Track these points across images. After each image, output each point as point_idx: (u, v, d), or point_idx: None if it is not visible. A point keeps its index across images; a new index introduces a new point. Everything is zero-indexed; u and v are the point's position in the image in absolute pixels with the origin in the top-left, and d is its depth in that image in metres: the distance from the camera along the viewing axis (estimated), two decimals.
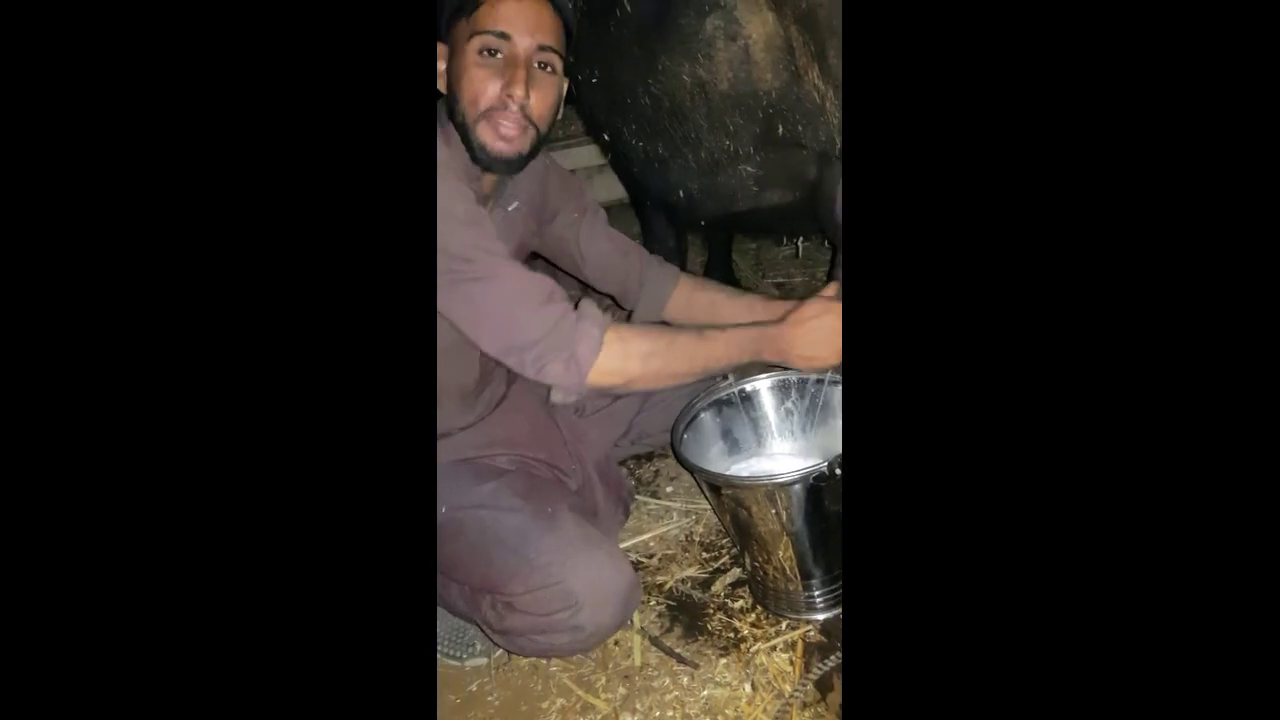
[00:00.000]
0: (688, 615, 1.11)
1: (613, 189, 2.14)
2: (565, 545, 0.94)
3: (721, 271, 1.94)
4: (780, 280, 2.16)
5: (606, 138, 1.46)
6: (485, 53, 0.91)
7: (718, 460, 1.14)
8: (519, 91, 0.91)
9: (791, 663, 1.00)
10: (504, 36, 0.91)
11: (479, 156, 0.95)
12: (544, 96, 0.94)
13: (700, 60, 1.13)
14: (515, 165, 0.97)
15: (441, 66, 0.96)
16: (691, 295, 1.24)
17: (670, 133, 1.25)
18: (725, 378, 1.16)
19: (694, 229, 1.79)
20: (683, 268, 1.76)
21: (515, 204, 1.06)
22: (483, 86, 0.91)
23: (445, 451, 1.05)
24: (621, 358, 0.91)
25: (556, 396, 0.93)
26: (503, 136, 0.93)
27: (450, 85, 0.96)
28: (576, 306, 0.92)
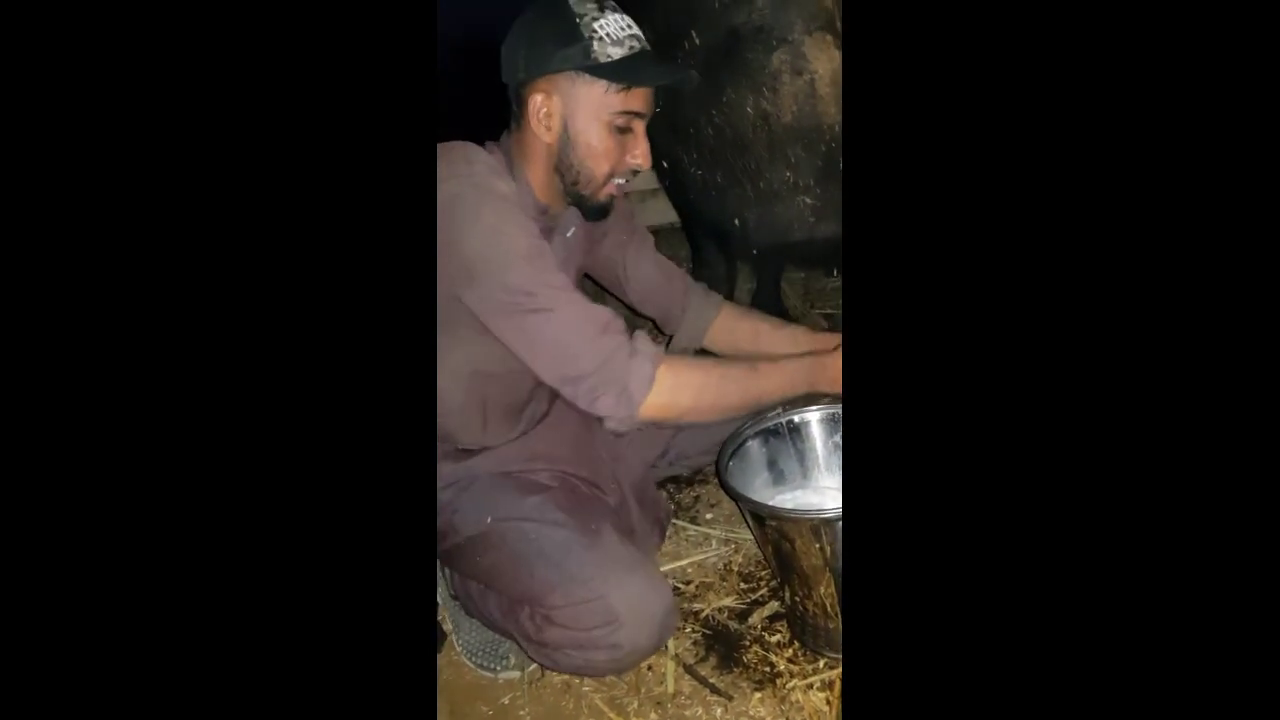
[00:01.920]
0: (723, 645, 1.10)
1: (663, 213, 2.17)
2: (608, 563, 0.94)
3: (769, 300, 1.94)
4: (828, 311, 2.15)
5: (665, 165, 1.49)
6: (619, 126, 0.96)
7: (762, 490, 1.14)
8: (645, 163, 0.99)
9: (828, 702, 0.99)
10: (640, 116, 0.96)
11: (585, 205, 1.01)
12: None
13: (765, 93, 1.15)
14: (607, 211, 1.03)
15: (538, 99, 0.94)
16: (734, 324, 1.25)
17: (730, 162, 1.27)
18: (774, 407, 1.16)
19: (745, 257, 1.80)
20: (731, 295, 1.77)
21: (572, 230, 1.09)
22: (616, 155, 0.97)
23: (488, 463, 1.07)
24: (672, 391, 0.92)
25: (611, 424, 0.94)
26: (611, 192, 1.01)
27: (564, 133, 0.95)
28: (632, 336, 0.93)
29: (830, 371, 1.00)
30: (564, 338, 0.90)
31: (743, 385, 0.97)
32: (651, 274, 1.23)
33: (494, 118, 1.05)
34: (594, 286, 1.33)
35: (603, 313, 0.93)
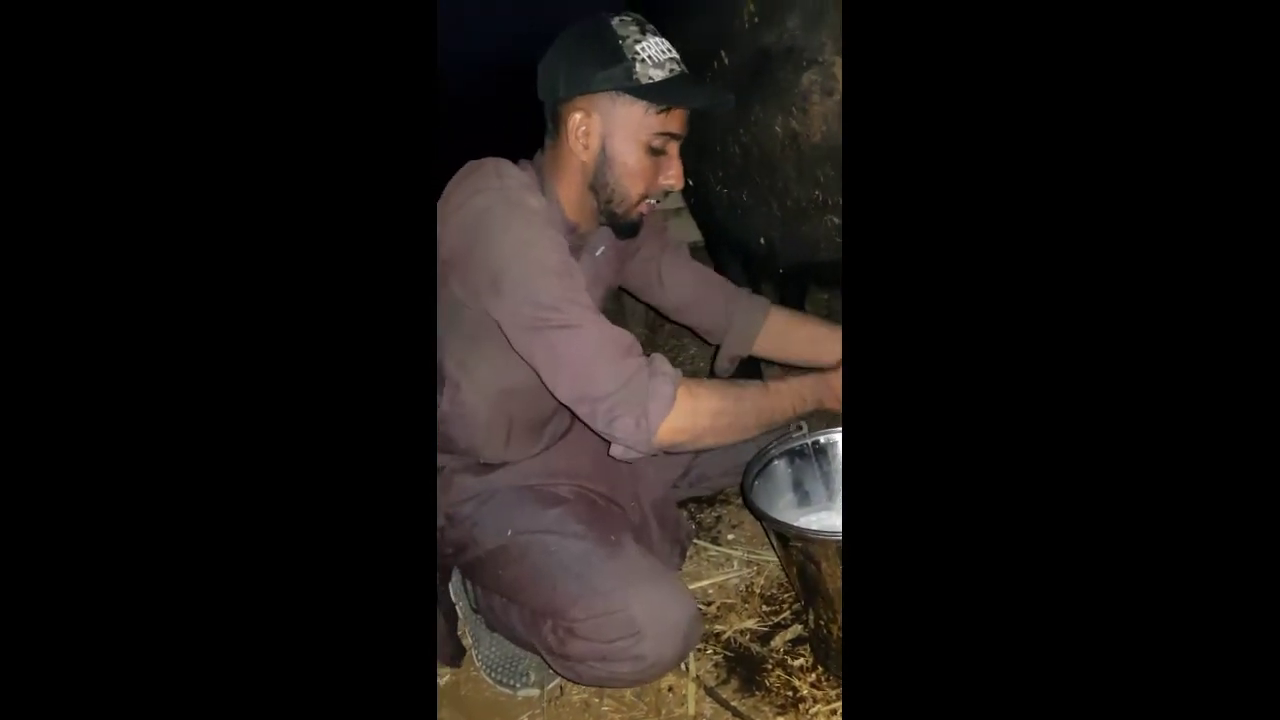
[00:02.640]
0: (745, 668, 1.08)
1: (686, 233, 2.17)
2: (629, 574, 0.94)
3: None
4: None
5: (690, 183, 1.49)
6: (655, 148, 0.97)
7: (787, 511, 1.12)
8: (678, 184, 1.00)
9: None
10: (676, 137, 0.97)
11: (617, 224, 1.02)
12: None
13: (794, 113, 1.16)
14: (637, 229, 1.04)
15: (577, 117, 0.95)
16: (787, 328, 1.23)
17: (757, 181, 1.27)
18: (799, 427, 1.15)
19: (770, 277, 1.79)
20: None
21: (601, 249, 1.09)
22: (650, 175, 0.98)
23: (510, 477, 1.07)
24: (691, 415, 0.91)
25: (617, 451, 0.92)
26: (643, 211, 1.02)
27: (602, 152, 0.96)
28: (650, 361, 0.92)
29: (836, 388, 1.01)
30: (587, 356, 0.89)
31: (757, 406, 0.96)
32: (690, 280, 1.22)
33: (510, 140, 1.06)
34: (612, 308, 1.33)
35: (625, 335, 0.92)
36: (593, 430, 0.93)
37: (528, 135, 1.05)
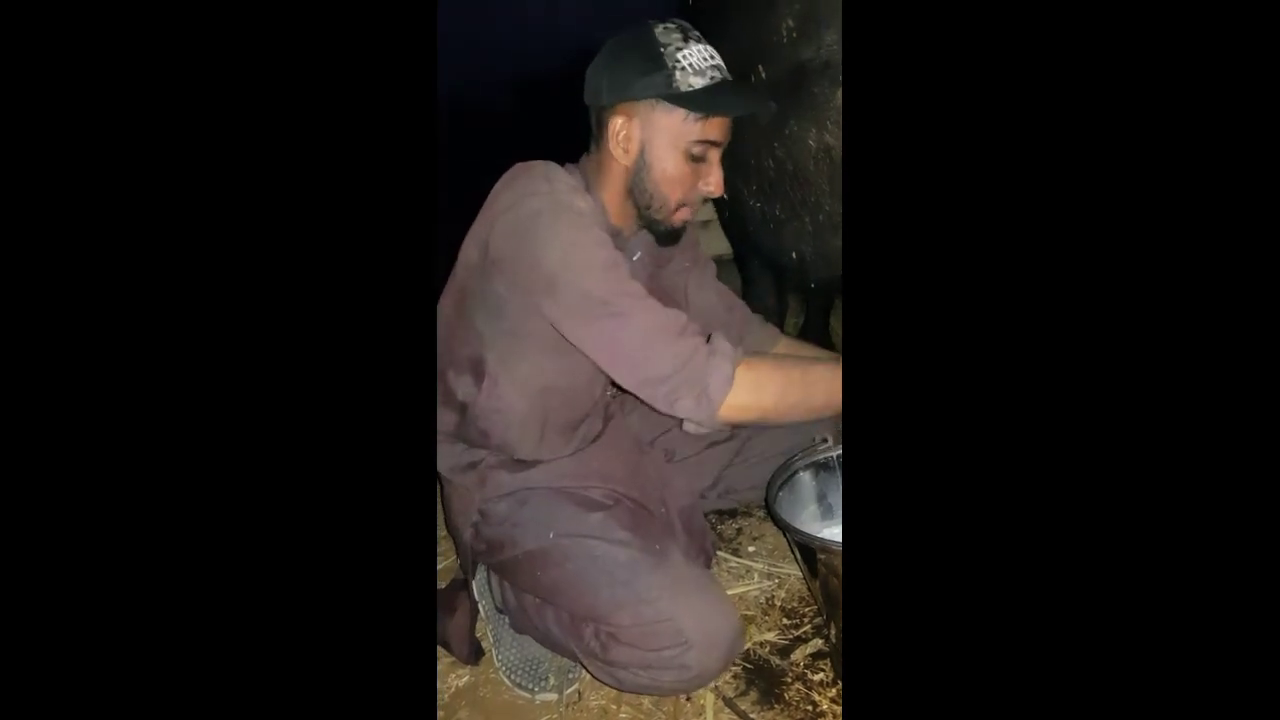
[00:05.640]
0: (764, 681, 1.08)
1: (714, 245, 2.18)
2: (676, 583, 0.94)
3: (818, 334, 1.93)
4: None
5: (724, 196, 1.50)
6: (695, 155, 0.98)
7: (810, 524, 1.12)
8: (718, 191, 1.01)
9: None
10: (716, 145, 0.99)
11: (655, 228, 1.03)
12: None
13: (829, 127, 1.16)
14: (678, 236, 1.05)
15: (618, 122, 0.97)
16: (789, 355, 1.25)
17: (790, 195, 1.27)
18: (824, 439, 1.15)
19: (800, 290, 1.80)
20: (780, 328, 1.77)
21: (638, 254, 1.11)
22: (689, 182, 1.00)
23: (544, 477, 1.08)
24: (754, 392, 0.91)
25: (690, 427, 0.94)
26: (683, 218, 1.03)
27: (641, 158, 0.98)
28: (709, 340, 0.93)
29: None
30: (643, 341, 0.91)
31: (826, 386, 0.95)
32: (713, 301, 1.24)
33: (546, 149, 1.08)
34: None
35: (679, 317, 0.93)
36: (658, 412, 0.94)
37: (528, 142, 1.07)
